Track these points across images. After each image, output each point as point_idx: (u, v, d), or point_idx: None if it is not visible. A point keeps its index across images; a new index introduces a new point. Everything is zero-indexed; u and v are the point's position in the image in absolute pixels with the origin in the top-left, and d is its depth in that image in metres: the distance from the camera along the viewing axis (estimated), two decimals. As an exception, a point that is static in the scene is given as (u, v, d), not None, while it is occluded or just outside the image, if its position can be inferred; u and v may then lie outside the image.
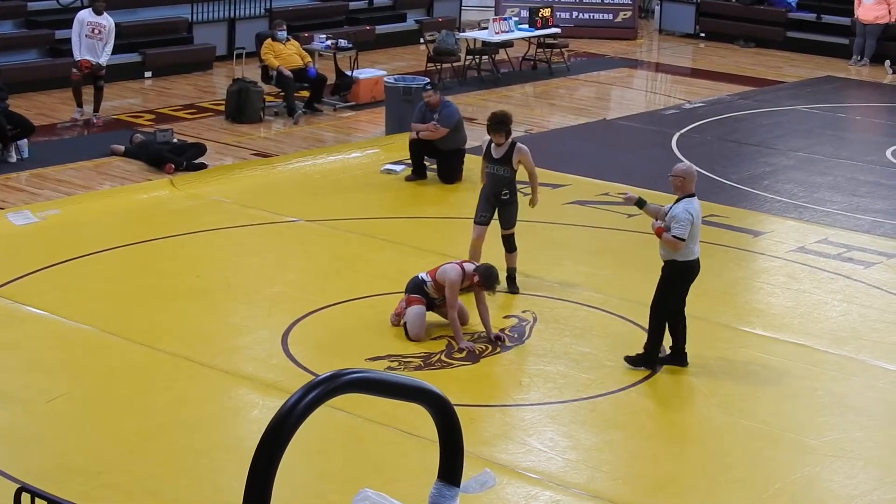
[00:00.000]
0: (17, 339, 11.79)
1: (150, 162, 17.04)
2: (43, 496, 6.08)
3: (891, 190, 17.56)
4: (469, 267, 11.95)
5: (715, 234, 15.21)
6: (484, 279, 11.82)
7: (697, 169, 17.93)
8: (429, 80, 18.71)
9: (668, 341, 11.50)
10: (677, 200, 11.24)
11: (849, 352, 12.02)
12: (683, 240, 11.03)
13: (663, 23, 29.40)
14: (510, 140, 13.01)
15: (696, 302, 13.04)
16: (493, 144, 13.02)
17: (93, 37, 18.73)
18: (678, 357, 11.48)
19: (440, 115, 16.80)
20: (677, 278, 11.32)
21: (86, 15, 18.88)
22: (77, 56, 18.74)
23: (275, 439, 4.44)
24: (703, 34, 28.71)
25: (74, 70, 18.80)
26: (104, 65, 18.84)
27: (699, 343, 12.08)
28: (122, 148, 17.47)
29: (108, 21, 18.89)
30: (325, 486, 9.34)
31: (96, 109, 19.17)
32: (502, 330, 12.09)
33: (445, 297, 11.87)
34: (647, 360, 11.38)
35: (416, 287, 12.05)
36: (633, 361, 11.38)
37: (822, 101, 22.98)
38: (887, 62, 25.82)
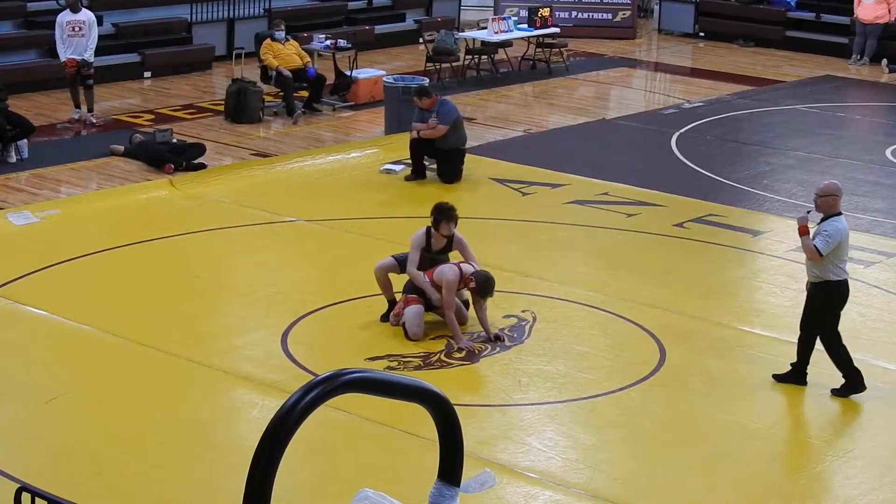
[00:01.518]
0: (16, 338, 11.79)
1: (149, 162, 17.04)
2: (43, 496, 6.08)
3: (890, 189, 17.55)
4: (467, 269, 11.94)
5: (714, 233, 15.22)
6: (480, 286, 11.81)
7: (696, 168, 18.06)
8: (424, 83, 18.64)
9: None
10: (824, 219, 10.92)
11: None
12: (822, 254, 10.76)
13: (662, 22, 29.40)
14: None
15: (695, 301, 13.06)
16: (432, 237, 12.24)
17: (74, 35, 18.74)
18: (855, 383, 11.10)
19: (438, 114, 16.81)
20: (830, 300, 10.98)
21: (64, 16, 18.89)
22: (62, 58, 18.76)
23: (274, 439, 4.44)
24: (702, 34, 28.70)
25: (65, 70, 18.82)
26: (90, 60, 18.82)
27: (699, 342, 12.09)
28: (122, 148, 17.47)
29: (86, 16, 18.89)
30: (325, 486, 9.34)
31: (90, 109, 19.16)
32: (501, 329, 12.09)
33: (442, 298, 11.87)
34: (797, 376, 11.13)
35: (413, 287, 12.06)
36: (782, 378, 11.13)
37: (822, 101, 22.98)
38: (884, 61, 25.82)
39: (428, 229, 12.24)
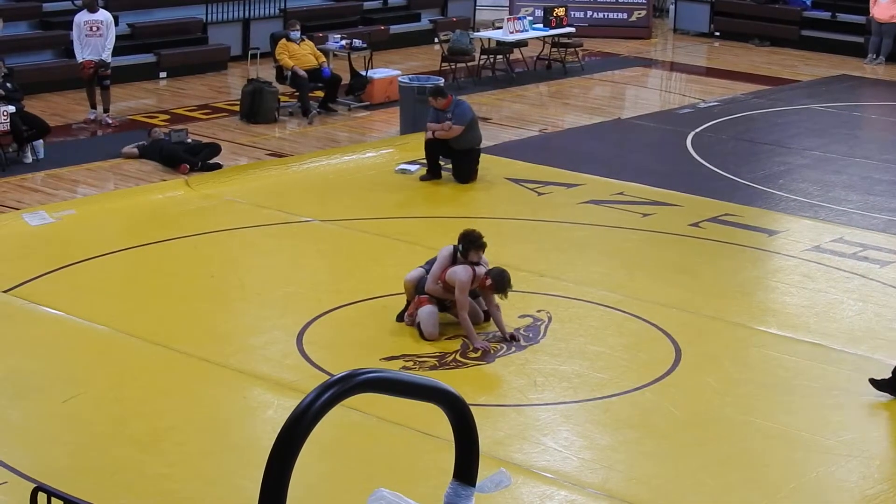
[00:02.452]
0: (32, 339, 11.81)
1: (164, 162, 17.07)
2: (59, 496, 6.09)
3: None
4: (480, 270, 11.93)
5: (729, 233, 15.20)
6: (496, 283, 11.80)
7: (712, 168, 18.02)
8: (440, 83, 18.69)
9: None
10: None
11: (865, 351, 11.98)
12: None
13: (678, 22, 29.38)
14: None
15: (711, 301, 13.04)
16: (458, 261, 11.99)
17: (92, 35, 18.79)
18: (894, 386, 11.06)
19: (453, 115, 16.81)
20: None
21: (82, 16, 18.94)
22: (80, 58, 18.83)
23: (290, 439, 4.44)
24: (717, 33, 28.67)
25: (83, 71, 18.88)
26: (108, 60, 18.87)
27: (715, 342, 12.07)
28: (136, 151, 17.40)
29: (104, 16, 18.95)
30: (340, 485, 9.34)
31: (106, 110, 19.22)
32: (517, 329, 12.08)
33: (455, 299, 11.85)
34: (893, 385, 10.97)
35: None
36: (879, 385, 10.97)
37: (837, 100, 22.93)
38: None
39: (455, 250, 12.11)
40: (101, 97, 19.16)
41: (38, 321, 12.16)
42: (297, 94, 20.33)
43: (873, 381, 11.05)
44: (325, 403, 4.48)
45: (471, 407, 5.02)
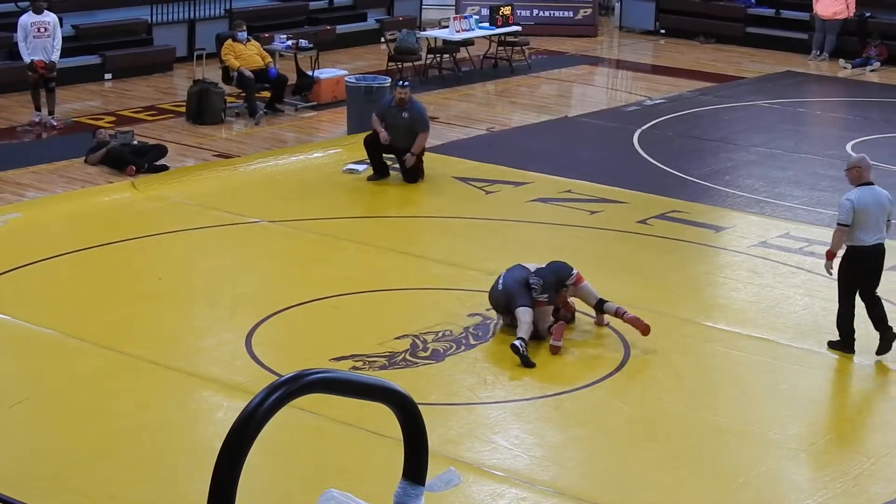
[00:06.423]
0: (-22, 344, 11.72)
1: (111, 164, 16.96)
2: (8, 502, 6.05)
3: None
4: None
5: (677, 229, 15.28)
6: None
7: (659, 165, 18.11)
8: (386, 82, 18.69)
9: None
10: None
11: (811, 345, 12.07)
12: (845, 225, 11.47)
13: (623, 20, 29.50)
14: None
15: (659, 297, 13.11)
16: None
17: (40, 35, 18.68)
18: (882, 343, 11.70)
19: (410, 113, 16.74)
20: (847, 263, 11.68)
21: (28, 17, 18.84)
22: (26, 60, 18.70)
23: (238, 441, 4.43)
24: (663, 31, 28.81)
25: (30, 73, 18.75)
26: (56, 61, 18.77)
27: (664, 338, 12.12)
28: (98, 156, 17.11)
29: (51, 17, 18.88)
30: (291, 486, 9.33)
31: (51, 112, 19.09)
32: (466, 328, 12.08)
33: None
34: (842, 345, 11.75)
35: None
36: (834, 345, 11.78)
37: (783, 97, 23.09)
38: (841, 60, 25.98)
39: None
40: (45, 99, 19.03)
41: (-16, 326, 12.06)
42: (243, 94, 20.25)
43: (830, 343, 11.77)
44: (273, 404, 4.47)
45: (421, 406, 5.02)
